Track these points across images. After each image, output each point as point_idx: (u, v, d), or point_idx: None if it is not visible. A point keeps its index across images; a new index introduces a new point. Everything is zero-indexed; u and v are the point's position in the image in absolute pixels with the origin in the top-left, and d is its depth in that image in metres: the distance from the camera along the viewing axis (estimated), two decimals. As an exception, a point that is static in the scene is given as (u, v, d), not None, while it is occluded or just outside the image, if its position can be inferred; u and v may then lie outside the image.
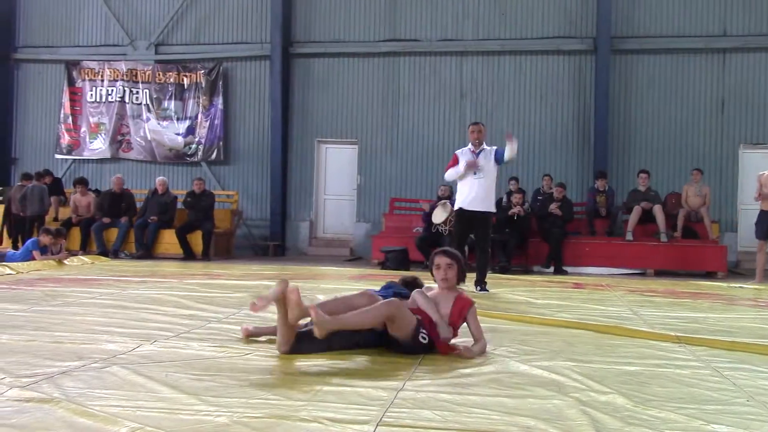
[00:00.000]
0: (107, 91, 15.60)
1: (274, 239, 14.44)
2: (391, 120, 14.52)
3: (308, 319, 3.77)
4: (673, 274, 11.04)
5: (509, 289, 7.73)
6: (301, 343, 3.76)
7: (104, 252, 11.99)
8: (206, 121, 15.15)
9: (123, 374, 3.19)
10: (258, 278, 8.23)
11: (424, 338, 3.80)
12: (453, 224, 8.82)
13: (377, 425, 2.48)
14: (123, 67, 15.46)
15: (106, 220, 12.38)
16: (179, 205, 12.98)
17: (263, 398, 2.84)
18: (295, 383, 3.12)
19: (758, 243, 9.72)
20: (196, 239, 12.24)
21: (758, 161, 13.03)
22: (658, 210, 11.48)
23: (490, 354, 3.87)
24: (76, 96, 15.77)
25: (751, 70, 13.37)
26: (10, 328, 4.38)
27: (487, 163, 7.38)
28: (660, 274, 11.10)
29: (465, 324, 3.99)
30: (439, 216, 10.41)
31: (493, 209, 7.58)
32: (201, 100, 15.15)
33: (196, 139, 15.20)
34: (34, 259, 9.62)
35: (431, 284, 4.22)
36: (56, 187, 13.86)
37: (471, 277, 7.18)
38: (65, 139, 15.80)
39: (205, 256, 12.12)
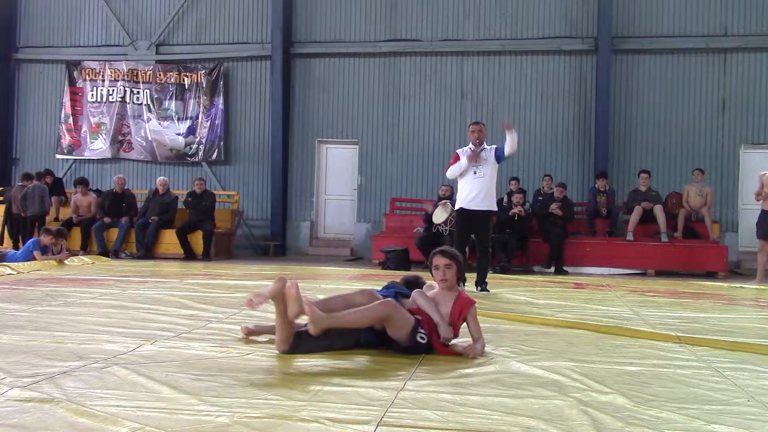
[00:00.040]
0: (108, 91, 15.60)
1: (275, 239, 14.44)
2: (392, 120, 14.52)
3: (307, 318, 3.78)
4: (674, 275, 11.04)
5: (510, 289, 7.73)
6: (302, 341, 3.75)
7: (105, 252, 12.00)
8: (207, 121, 15.15)
9: (123, 374, 3.19)
10: (258, 278, 8.23)
11: (423, 338, 3.79)
12: (454, 224, 8.83)
13: (378, 425, 2.48)
14: (124, 67, 15.47)
15: (106, 220, 12.39)
16: (180, 205, 12.99)
17: (264, 398, 2.84)
18: (296, 383, 3.11)
19: (759, 243, 9.72)
20: (197, 239, 12.24)
21: (759, 161, 13.03)
22: (658, 210, 11.48)
23: (490, 354, 3.87)
24: (76, 96, 15.78)
25: (752, 70, 13.37)
26: (10, 328, 4.38)
27: (487, 162, 7.37)
28: (661, 274, 11.10)
29: (465, 324, 3.99)
30: (439, 216, 10.41)
31: (494, 208, 7.56)
32: (202, 100, 15.16)
33: (197, 139, 15.20)
34: (34, 259, 9.62)
35: (433, 283, 4.22)
36: (57, 187, 13.87)
37: (471, 277, 7.18)
38: (66, 139, 15.81)
39: (206, 256, 12.12)
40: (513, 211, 11.32)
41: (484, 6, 14.18)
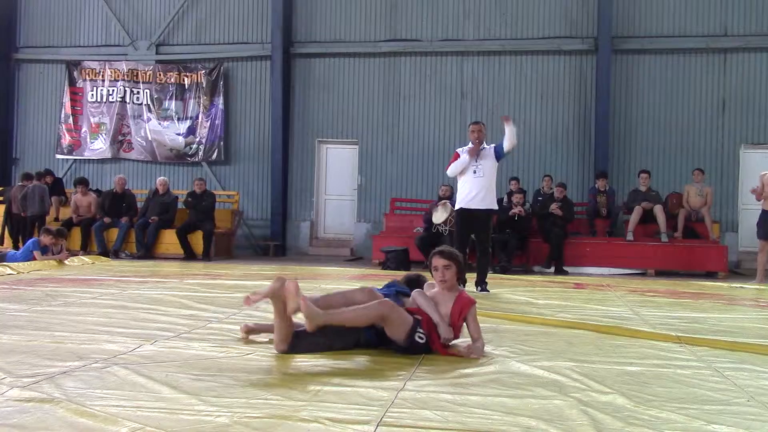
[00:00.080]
0: (108, 91, 15.61)
1: (275, 239, 14.44)
2: (392, 120, 14.52)
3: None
4: (674, 275, 11.04)
5: (510, 290, 7.73)
6: (300, 341, 3.75)
7: (105, 252, 12.00)
8: (207, 121, 15.15)
9: (123, 374, 3.19)
10: (258, 278, 8.23)
11: (421, 338, 3.78)
12: (453, 224, 8.82)
13: (378, 425, 2.48)
14: (124, 67, 15.47)
15: (106, 220, 12.39)
16: (180, 205, 12.99)
17: (264, 398, 2.84)
18: (296, 383, 3.11)
19: (759, 243, 9.72)
20: (197, 239, 12.24)
21: (759, 161, 13.03)
22: (658, 210, 11.48)
23: (490, 354, 3.87)
24: (76, 96, 15.78)
25: (752, 70, 13.37)
26: (10, 328, 4.38)
27: (487, 160, 7.37)
28: (661, 274, 11.10)
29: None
30: (439, 216, 10.41)
31: (494, 207, 7.54)
32: (202, 100, 15.16)
33: (197, 139, 15.20)
34: (34, 259, 9.63)
35: (434, 282, 4.20)
36: (57, 187, 13.88)
37: (471, 277, 7.18)
38: (66, 139, 15.81)
39: (206, 257, 12.12)
40: (513, 211, 11.32)
41: (484, 6, 14.18)
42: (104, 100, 15.62)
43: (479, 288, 7.35)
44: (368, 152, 14.63)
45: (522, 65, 14.09)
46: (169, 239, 12.32)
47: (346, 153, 14.92)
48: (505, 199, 11.86)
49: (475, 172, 7.34)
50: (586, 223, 12.31)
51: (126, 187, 13.17)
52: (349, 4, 14.67)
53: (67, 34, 15.96)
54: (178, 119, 15.28)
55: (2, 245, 12.73)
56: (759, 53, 13.33)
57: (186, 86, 15.24)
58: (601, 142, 13.34)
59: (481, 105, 14.06)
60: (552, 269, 11.18)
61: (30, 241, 10.29)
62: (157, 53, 15.45)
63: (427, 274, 4.55)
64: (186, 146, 15.24)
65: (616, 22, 13.55)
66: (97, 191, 13.71)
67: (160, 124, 15.32)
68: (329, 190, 15.10)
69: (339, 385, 3.07)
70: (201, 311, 5.32)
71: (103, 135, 15.60)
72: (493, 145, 7.49)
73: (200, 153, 15.16)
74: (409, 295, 4.19)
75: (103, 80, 15.61)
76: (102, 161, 15.70)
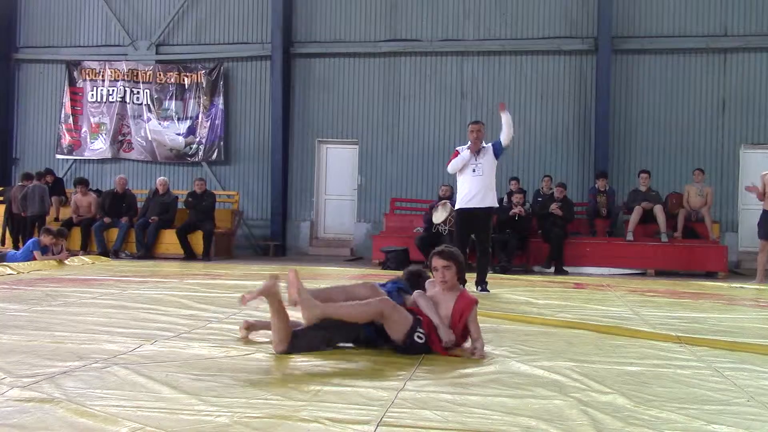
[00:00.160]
0: (108, 91, 15.61)
1: (275, 239, 14.44)
2: (392, 120, 14.52)
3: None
4: (674, 275, 11.03)
5: (510, 289, 7.73)
6: (299, 340, 3.74)
7: (105, 252, 12.00)
8: (207, 121, 15.15)
9: (123, 374, 3.19)
10: (258, 278, 8.20)
11: (421, 338, 3.76)
12: (453, 224, 8.82)
13: (378, 425, 2.48)
14: (124, 67, 15.47)
15: (106, 220, 12.39)
16: (180, 205, 12.99)
17: (264, 398, 2.84)
18: (296, 383, 3.12)
19: (760, 243, 9.71)
20: (197, 239, 12.24)
21: (759, 161, 13.03)
22: (658, 210, 11.48)
23: (490, 354, 3.86)
24: (77, 96, 15.78)
25: (753, 70, 13.37)
26: (10, 328, 4.38)
27: (486, 158, 7.36)
28: (661, 274, 11.10)
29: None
30: (439, 216, 10.42)
31: (494, 205, 7.52)
32: (202, 100, 15.16)
33: (197, 139, 15.20)
34: (34, 259, 9.63)
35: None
36: (58, 186, 13.88)
37: (471, 277, 7.18)
38: (66, 139, 15.81)
39: (206, 257, 12.12)
40: (513, 211, 11.33)
41: (484, 6, 14.18)
42: (104, 100, 15.62)
43: (479, 288, 7.34)
44: (368, 152, 14.63)
45: (522, 65, 14.09)
46: (169, 239, 12.32)
47: (346, 153, 14.92)
48: (505, 199, 11.86)
49: (474, 170, 7.34)
50: (586, 223, 12.31)
51: (126, 187, 13.17)
52: (349, 4, 14.67)
53: (67, 34, 15.96)
54: (178, 119, 15.28)
55: (3, 246, 12.73)
56: (759, 53, 13.33)
57: (186, 86, 15.24)
58: (601, 142, 13.34)
59: (481, 105, 14.05)
60: (552, 269, 11.18)
61: (30, 241, 10.30)
62: (157, 53, 15.45)
63: (428, 271, 4.55)
64: (186, 146, 15.24)
65: (616, 22, 13.55)
66: (97, 191, 13.71)
67: (160, 124, 15.32)
68: (329, 190, 15.10)
69: (339, 385, 3.07)
70: (201, 311, 5.32)
71: (103, 135, 15.60)
72: (491, 144, 7.49)
73: (200, 153, 15.16)
74: (409, 293, 4.18)
75: (103, 80, 15.61)
76: (102, 161, 15.70)
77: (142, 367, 3.33)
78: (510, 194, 11.89)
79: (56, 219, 13.13)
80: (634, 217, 11.54)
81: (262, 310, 4.95)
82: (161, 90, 15.33)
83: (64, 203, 13.77)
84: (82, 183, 12.97)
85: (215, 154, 15.15)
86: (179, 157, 15.32)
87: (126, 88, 15.45)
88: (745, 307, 6.85)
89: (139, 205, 13.13)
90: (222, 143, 15.11)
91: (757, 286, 8.99)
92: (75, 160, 15.83)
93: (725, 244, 12.06)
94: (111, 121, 15.51)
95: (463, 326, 3.90)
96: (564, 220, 11.53)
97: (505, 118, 7.26)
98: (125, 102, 15.47)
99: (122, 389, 2.94)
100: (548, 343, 4.33)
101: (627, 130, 13.66)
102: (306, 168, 14.87)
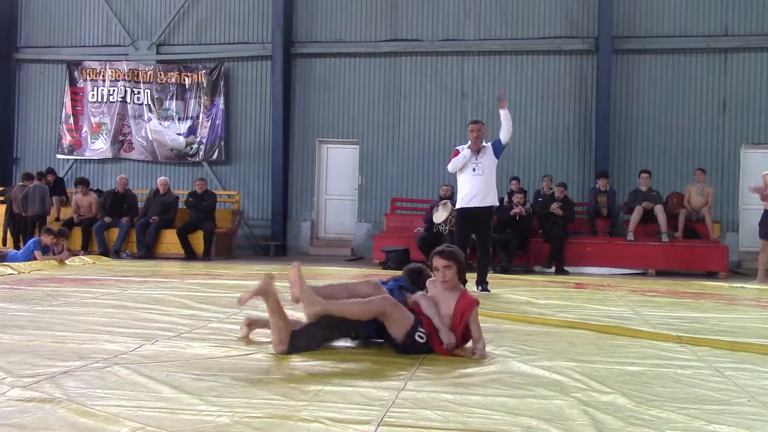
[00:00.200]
0: (109, 91, 15.61)
1: (275, 239, 14.44)
2: (392, 120, 14.52)
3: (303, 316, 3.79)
4: (675, 275, 11.03)
5: (510, 289, 7.73)
6: (300, 339, 3.74)
7: (105, 252, 12.01)
8: (207, 121, 15.15)
9: (124, 374, 3.19)
10: (259, 278, 8.21)
11: (422, 337, 3.76)
12: (454, 224, 8.82)
13: (379, 425, 2.48)
14: (124, 67, 15.47)
15: (107, 219, 12.40)
16: (181, 205, 13.00)
17: (264, 398, 2.84)
18: (297, 383, 3.12)
19: (761, 243, 9.71)
20: (198, 239, 12.24)
21: (760, 161, 13.02)
22: (659, 210, 11.47)
23: (491, 354, 3.86)
24: (77, 96, 15.78)
25: (753, 69, 13.36)
26: (11, 327, 4.38)
27: (486, 157, 7.36)
28: (661, 274, 11.09)
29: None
30: (440, 216, 10.42)
31: (494, 203, 7.50)
32: (202, 100, 15.16)
33: (198, 139, 15.20)
34: (35, 259, 9.63)
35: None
36: (59, 186, 13.89)
37: (472, 276, 7.18)
38: (67, 139, 15.81)
39: (206, 256, 12.13)
40: (514, 210, 11.33)
41: (484, 6, 14.17)
42: (105, 100, 15.62)
43: (480, 288, 7.34)
44: (369, 152, 14.63)
45: (522, 65, 14.09)
46: (170, 239, 12.33)
47: (346, 153, 14.92)
48: (506, 199, 11.86)
49: (474, 169, 7.33)
50: (587, 223, 12.31)
51: (127, 187, 13.17)
52: (350, 4, 14.67)
53: (67, 34, 15.97)
54: (179, 119, 15.28)
55: (4, 246, 12.74)
56: (759, 53, 13.32)
57: (186, 86, 15.24)
58: (602, 142, 13.34)
59: (482, 105, 14.04)
60: (553, 269, 11.18)
61: (31, 241, 10.30)
62: (157, 53, 15.46)
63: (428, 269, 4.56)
64: (187, 146, 15.25)
65: (617, 22, 13.55)
66: (98, 191, 13.72)
67: (160, 124, 15.33)
68: (330, 190, 15.10)
69: (339, 385, 3.08)
70: (202, 311, 5.32)
71: (104, 135, 15.60)
72: (491, 143, 7.48)
73: (201, 153, 15.17)
74: (410, 291, 4.18)
75: (104, 80, 15.62)
76: (103, 161, 15.71)
77: (143, 367, 3.34)
78: (511, 194, 11.89)
79: (57, 219, 13.14)
80: (635, 217, 11.53)
81: (262, 310, 4.96)
82: (162, 90, 15.34)
83: (64, 203, 13.78)
84: (82, 183, 12.98)
85: (216, 154, 15.15)
86: (180, 157, 15.32)
87: (127, 88, 15.46)
88: (745, 307, 6.85)
89: (140, 205, 13.14)
90: (223, 143, 15.11)
91: (758, 286, 8.98)
92: (76, 160, 15.83)
93: (726, 244, 12.05)
94: (112, 121, 15.52)
95: (464, 327, 3.90)
96: (565, 220, 11.53)
97: (504, 115, 7.26)
98: (126, 102, 15.47)
99: (123, 389, 2.94)
100: (549, 343, 4.33)
101: (628, 130, 13.66)
102: (306, 168, 14.87)
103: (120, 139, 15.55)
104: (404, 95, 14.47)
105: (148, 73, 15.37)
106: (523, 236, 11.32)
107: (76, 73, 15.78)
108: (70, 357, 3.54)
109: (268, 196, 14.82)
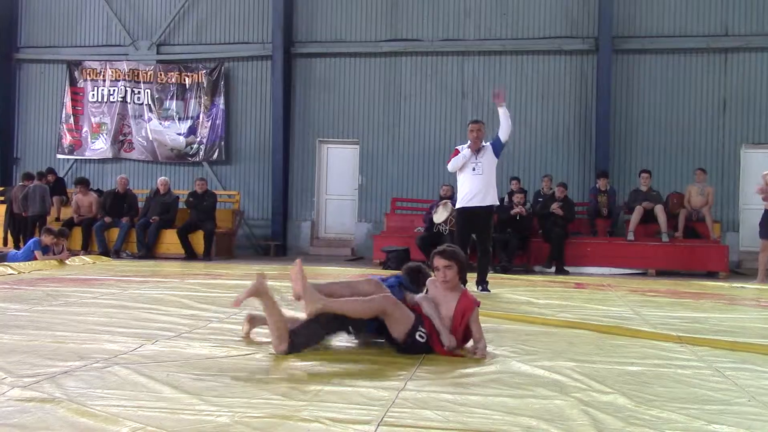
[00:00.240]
0: (109, 91, 15.61)
1: (276, 239, 14.45)
2: (393, 120, 14.52)
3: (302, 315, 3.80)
4: (675, 274, 11.03)
5: (510, 289, 7.73)
6: (298, 337, 3.74)
7: (106, 252, 12.01)
8: (208, 121, 15.16)
9: (124, 374, 3.19)
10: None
11: (422, 337, 3.76)
12: (454, 224, 8.82)
13: (379, 425, 2.48)
14: (125, 67, 15.47)
15: (107, 219, 12.40)
16: (181, 205, 13.00)
17: (265, 398, 2.84)
18: (297, 383, 3.12)
19: (761, 243, 9.70)
20: (198, 239, 12.25)
21: (760, 161, 13.01)
22: (659, 210, 11.47)
23: (491, 354, 3.86)
24: (77, 96, 15.79)
25: (753, 69, 13.35)
26: (11, 327, 4.38)
27: (486, 157, 7.36)
28: (661, 274, 11.09)
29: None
30: (440, 215, 10.41)
31: (495, 203, 7.50)
32: (202, 100, 15.16)
33: (198, 139, 15.21)
34: (35, 258, 9.63)
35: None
36: (59, 186, 13.89)
37: (472, 276, 7.18)
38: (67, 139, 15.82)
39: (207, 256, 12.13)
40: (514, 210, 11.33)
41: (484, 6, 14.17)
42: (105, 100, 15.62)
43: (480, 288, 7.34)
44: (369, 152, 14.63)
45: (523, 65, 14.09)
46: (170, 239, 12.33)
47: (346, 153, 14.92)
48: (506, 199, 11.86)
49: (474, 169, 7.33)
50: (587, 222, 12.31)
51: (127, 187, 13.17)
52: (350, 4, 14.67)
53: (68, 34, 15.97)
54: (179, 119, 15.28)
55: (5, 246, 12.74)
56: (760, 53, 13.31)
57: (187, 86, 15.24)
58: (602, 142, 13.34)
59: (482, 105, 14.02)
60: (553, 269, 11.18)
61: (31, 240, 10.31)
62: (157, 53, 15.46)
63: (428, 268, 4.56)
64: (187, 146, 15.25)
65: (617, 22, 13.54)
66: (98, 191, 13.72)
67: (161, 124, 15.33)
68: (330, 189, 15.11)
69: (339, 385, 3.08)
70: (202, 311, 5.32)
71: (104, 135, 15.61)
72: (490, 142, 7.48)
73: (201, 153, 15.17)
74: (410, 288, 4.19)
75: (104, 80, 15.62)
76: (103, 161, 15.71)
77: (143, 367, 3.34)
78: (511, 194, 11.89)
79: (57, 219, 13.14)
80: (635, 217, 11.53)
81: (262, 311, 4.96)
82: (162, 90, 15.34)
83: (65, 203, 13.78)
84: (82, 183, 12.98)
85: (216, 153, 15.15)
86: (180, 157, 15.32)
87: (127, 88, 15.46)
88: (746, 307, 6.85)
89: (140, 205, 13.14)
90: (223, 143, 15.11)
91: (758, 286, 8.98)
92: (76, 160, 15.83)
93: (726, 243, 12.05)
94: (112, 121, 15.52)
95: (464, 327, 3.90)
96: (565, 220, 11.53)
97: (502, 113, 7.26)
98: (126, 102, 15.47)
99: (123, 389, 2.94)
100: (549, 343, 4.33)
101: (628, 129, 13.66)
102: (307, 168, 14.87)
103: (120, 139, 15.55)
104: (404, 95, 14.47)
105: (149, 73, 15.37)
106: (523, 236, 11.32)
107: (76, 73, 15.78)
108: (71, 357, 3.54)
109: (269, 196, 14.83)
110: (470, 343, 3.94)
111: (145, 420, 2.49)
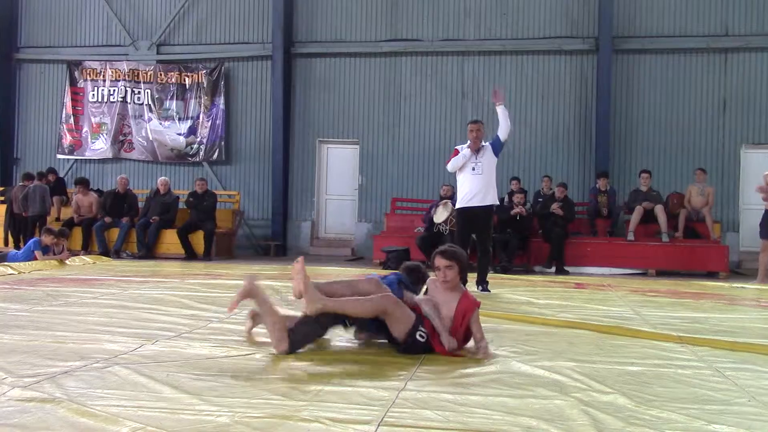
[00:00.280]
0: (109, 91, 15.61)
1: (276, 239, 14.45)
2: (393, 120, 14.52)
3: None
4: (675, 275, 11.02)
5: (511, 289, 7.73)
6: (296, 335, 3.74)
7: (106, 252, 12.01)
8: (208, 121, 15.16)
9: (125, 374, 3.19)
10: (260, 278, 8.21)
11: (422, 336, 3.76)
12: (454, 224, 8.82)
13: (379, 425, 2.48)
14: (125, 67, 15.47)
15: (107, 219, 12.40)
16: (181, 205, 13.00)
17: (265, 398, 2.84)
18: (297, 383, 3.12)
19: (762, 243, 9.70)
20: (198, 239, 12.25)
21: (760, 161, 13.01)
22: (659, 210, 11.47)
23: (493, 354, 3.86)
24: (77, 96, 15.79)
25: (753, 69, 13.35)
26: (12, 327, 4.39)
27: (485, 157, 7.35)
28: (662, 274, 11.09)
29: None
30: (440, 215, 10.41)
31: (494, 203, 7.49)
32: (202, 100, 15.16)
33: (198, 139, 15.21)
34: (35, 259, 9.63)
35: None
36: (59, 186, 13.89)
37: (472, 276, 7.18)
38: (67, 139, 15.82)
39: (207, 256, 12.13)
40: (514, 210, 11.33)
41: (484, 6, 14.17)
42: (105, 100, 15.63)
43: (480, 288, 7.34)
44: (369, 152, 14.63)
45: (523, 65, 14.09)
46: (170, 239, 12.33)
47: (346, 153, 14.92)
48: (506, 199, 11.86)
49: (474, 169, 7.33)
50: (587, 223, 12.31)
51: (127, 187, 13.17)
52: (350, 4, 14.67)
53: (68, 34, 15.97)
54: (179, 119, 15.28)
55: (6, 246, 12.74)
56: (760, 53, 13.31)
57: (187, 86, 15.24)
58: (602, 142, 13.34)
59: (482, 105, 14.02)
60: (553, 269, 11.18)
61: (31, 240, 10.31)
62: (158, 53, 15.46)
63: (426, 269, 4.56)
64: (187, 146, 15.25)
65: (617, 22, 13.54)
66: (98, 191, 13.72)
67: (161, 124, 15.33)
68: (330, 190, 15.11)
69: (340, 385, 3.08)
70: (202, 311, 5.32)
71: (104, 135, 15.61)
72: (490, 142, 7.48)
73: (201, 153, 15.17)
74: (409, 287, 4.19)
75: (104, 80, 15.62)
76: (103, 161, 15.71)
77: (143, 367, 3.34)
78: (511, 194, 11.89)
79: (57, 219, 13.13)
80: (635, 217, 11.53)
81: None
82: (162, 90, 15.34)
83: (65, 203, 13.78)
84: (82, 183, 12.98)
85: (216, 154, 15.15)
86: (180, 157, 15.32)
87: (127, 88, 15.46)
88: (746, 307, 6.85)
89: (140, 205, 13.14)
90: (223, 143, 15.11)
91: (759, 286, 8.98)
92: (76, 160, 15.83)
93: (726, 244, 12.04)
94: (112, 121, 15.52)
95: (465, 328, 3.90)
96: (565, 220, 11.53)
97: (501, 112, 7.25)
98: (126, 102, 15.48)
99: (123, 389, 2.94)
100: (549, 343, 4.33)
101: (628, 129, 13.66)
102: (307, 168, 14.87)
103: (120, 139, 15.55)
104: (404, 95, 14.47)
105: (149, 73, 15.37)
106: (523, 236, 11.32)
107: (76, 73, 15.78)
108: (71, 357, 3.54)
109: (269, 196, 14.83)
110: (471, 344, 3.94)
111: (145, 420, 2.49)
